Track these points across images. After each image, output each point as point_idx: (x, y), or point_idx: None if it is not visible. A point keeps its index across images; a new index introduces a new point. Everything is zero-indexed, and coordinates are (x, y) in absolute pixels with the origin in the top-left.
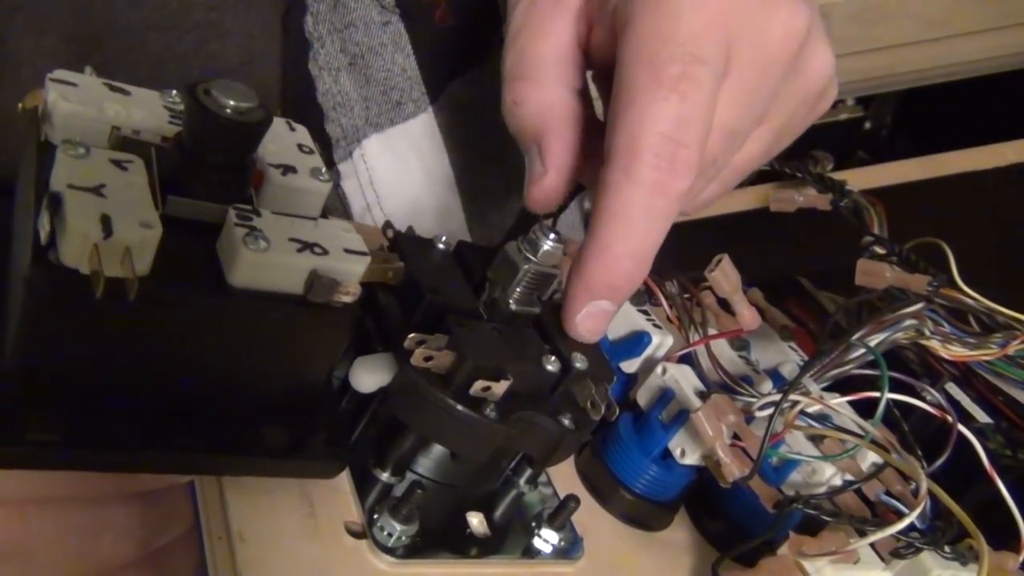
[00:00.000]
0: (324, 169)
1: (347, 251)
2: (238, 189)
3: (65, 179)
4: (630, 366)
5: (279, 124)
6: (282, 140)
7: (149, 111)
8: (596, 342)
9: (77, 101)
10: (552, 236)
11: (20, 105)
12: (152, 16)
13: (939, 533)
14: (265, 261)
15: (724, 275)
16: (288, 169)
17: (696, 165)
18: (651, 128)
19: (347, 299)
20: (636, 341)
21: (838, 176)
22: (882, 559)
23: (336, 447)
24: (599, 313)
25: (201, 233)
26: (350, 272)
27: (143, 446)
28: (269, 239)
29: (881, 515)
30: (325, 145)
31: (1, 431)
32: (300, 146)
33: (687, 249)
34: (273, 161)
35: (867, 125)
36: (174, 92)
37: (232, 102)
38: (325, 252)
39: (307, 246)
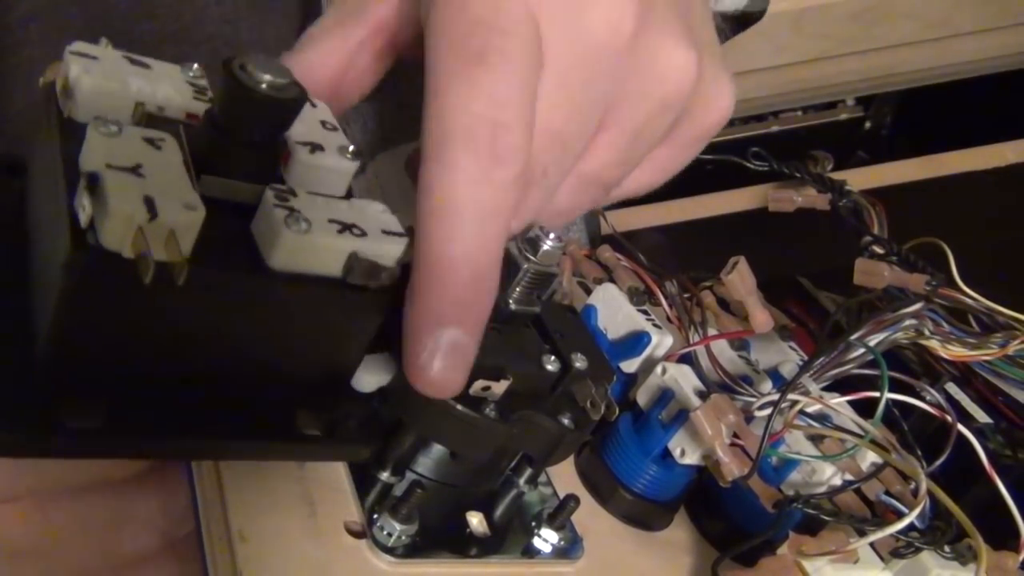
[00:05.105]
0: (351, 147)
1: (385, 232)
2: (270, 168)
3: (101, 158)
4: (630, 366)
5: None
6: (307, 117)
7: (173, 86)
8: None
9: (100, 75)
10: (552, 236)
11: (41, 80)
12: (165, 28)
13: (939, 533)
14: (306, 243)
15: (740, 278)
16: (315, 147)
17: (522, 149)
18: (462, 109)
19: (385, 281)
20: (636, 341)
21: (838, 176)
22: (882, 559)
23: (367, 430)
24: (451, 349)
25: (231, 213)
26: (389, 254)
27: (180, 433)
28: (310, 220)
29: (881, 515)
30: None
31: (39, 420)
32: (323, 123)
33: (686, 249)
34: (300, 139)
35: (867, 125)
36: (195, 67)
37: (268, 77)
38: (364, 234)
39: (346, 227)
